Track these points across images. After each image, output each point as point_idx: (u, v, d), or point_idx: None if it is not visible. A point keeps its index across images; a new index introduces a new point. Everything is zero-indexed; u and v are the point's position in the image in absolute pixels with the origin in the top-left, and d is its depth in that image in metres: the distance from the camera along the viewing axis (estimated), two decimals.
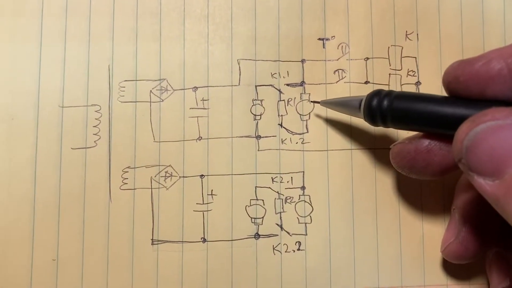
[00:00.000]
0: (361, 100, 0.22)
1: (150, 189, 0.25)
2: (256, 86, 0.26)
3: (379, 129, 0.26)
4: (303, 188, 0.25)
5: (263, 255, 0.25)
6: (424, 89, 0.26)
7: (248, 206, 0.25)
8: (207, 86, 0.26)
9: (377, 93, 0.21)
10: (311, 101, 0.25)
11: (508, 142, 0.16)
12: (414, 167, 0.21)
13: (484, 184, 0.17)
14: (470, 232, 0.22)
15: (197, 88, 0.26)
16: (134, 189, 0.25)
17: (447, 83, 0.20)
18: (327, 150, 0.25)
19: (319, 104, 0.25)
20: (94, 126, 0.25)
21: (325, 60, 0.26)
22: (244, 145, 0.25)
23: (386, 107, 0.21)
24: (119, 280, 0.24)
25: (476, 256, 0.23)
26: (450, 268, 0.25)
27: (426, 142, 0.21)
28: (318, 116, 0.26)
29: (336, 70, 0.26)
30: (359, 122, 0.25)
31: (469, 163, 0.17)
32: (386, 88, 0.26)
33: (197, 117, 0.25)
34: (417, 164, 0.21)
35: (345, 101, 0.23)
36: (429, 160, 0.21)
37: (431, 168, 0.21)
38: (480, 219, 0.22)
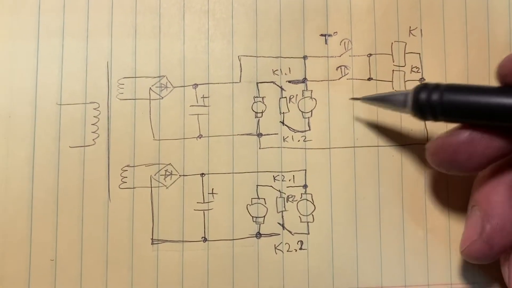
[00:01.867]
0: (407, 95, 0.21)
1: (150, 188, 0.25)
2: (257, 83, 0.25)
3: (382, 127, 0.25)
4: (305, 186, 0.25)
5: (264, 254, 0.24)
6: None
7: (250, 205, 0.25)
8: (208, 83, 0.25)
9: (424, 87, 0.21)
10: (351, 98, 0.25)
11: None
12: (456, 160, 0.21)
13: None
14: (497, 229, 0.21)
15: (197, 85, 0.25)
16: (133, 188, 0.25)
17: (503, 76, 0.20)
18: (329, 148, 0.25)
19: (320, 102, 0.25)
20: (93, 124, 0.25)
21: (327, 57, 0.25)
22: (245, 143, 0.25)
23: (436, 101, 0.20)
24: (118, 281, 0.24)
25: (500, 254, 0.22)
26: (455, 267, 0.25)
27: (466, 133, 0.20)
28: (320, 113, 0.25)
29: (338, 67, 0.25)
30: (362, 119, 0.25)
31: None
32: (389, 85, 0.25)
33: (198, 114, 0.25)
34: (459, 157, 0.20)
35: (388, 96, 0.23)
36: (471, 152, 0.20)
37: (474, 160, 0.20)
38: (508, 213, 0.21)
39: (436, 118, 0.21)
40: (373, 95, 0.24)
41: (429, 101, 0.20)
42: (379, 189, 0.25)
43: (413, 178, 0.25)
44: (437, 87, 0.20)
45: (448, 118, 0.21)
